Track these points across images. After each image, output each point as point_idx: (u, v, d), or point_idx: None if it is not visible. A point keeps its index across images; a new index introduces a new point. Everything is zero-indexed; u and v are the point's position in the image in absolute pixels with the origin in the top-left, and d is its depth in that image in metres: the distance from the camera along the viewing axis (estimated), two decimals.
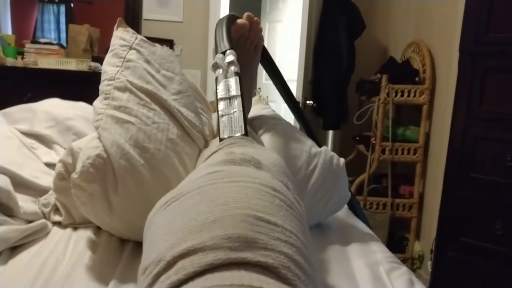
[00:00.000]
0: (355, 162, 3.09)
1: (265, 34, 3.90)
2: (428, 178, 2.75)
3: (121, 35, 0.97)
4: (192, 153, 0.91)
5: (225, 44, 0.85)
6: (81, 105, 1.35)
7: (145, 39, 0.99)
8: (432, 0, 2.81)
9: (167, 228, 0.50)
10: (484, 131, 2.09)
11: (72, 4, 3.48)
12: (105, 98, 0.87)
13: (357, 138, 3.00)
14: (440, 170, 2.34)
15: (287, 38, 3.48)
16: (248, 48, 1.01)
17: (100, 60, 3.07)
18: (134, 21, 3.27)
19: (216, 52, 0.88)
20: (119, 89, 0.88)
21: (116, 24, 0.98)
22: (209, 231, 0.45)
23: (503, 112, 2.03)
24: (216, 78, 0.80)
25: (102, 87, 0.90)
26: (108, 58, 0.94)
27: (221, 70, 0.81)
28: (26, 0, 3.41)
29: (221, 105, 0.78)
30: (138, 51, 0.95)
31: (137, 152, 0.82)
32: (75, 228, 0.96)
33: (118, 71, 0.90)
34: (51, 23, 3.49)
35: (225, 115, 0.77)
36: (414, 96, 2.69)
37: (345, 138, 3.28)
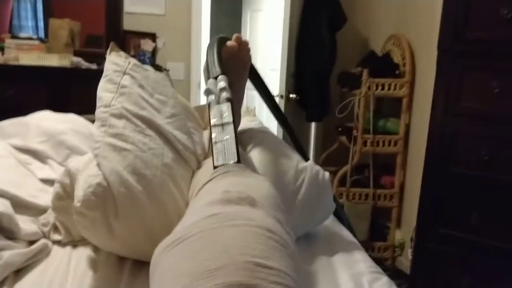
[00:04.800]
0: (337, 153, 3.17)
1: (247, 23, 3.93)
2: (409, 169, 2.85)
3: (114, 60, 1.00)
4: (186, 175, 0.95)
5: (216, 69, 0.89)
6: (72, 117, 1.38)
7: (138, 63, 1.02)
8: None
9: (174, 271, 0.55)
10: (462, 126, 2.18)
11: None
12: (102, 125, 0.91)
13: (340, 129, 3.07)
14: (420, 161, 2.42)
15: (268, 28, 3.47)
16: (238, 68, 1.05)
17: (81, 54, 3.03)
18: (115, 14, 3.24)
19: (208, 76, 0.92)
20: (115, 116, 0.92)
21: (108, 49, 1.01)
22: (213, 279, 0.50)
23: (479, 109, 2.11)
24: (209, 104, 0.84)
25: (98, 113, 0.93)
26: (103, 83, 0.97)
27: (213, 96, 0.85)
28: None
29: (214, 132, 0.82)
30: (131, 76, 0.98)
31: (135, 179, 0.86)
32: (74, 246, 1.00)
33: (113, 98, 0.94)
34: (28, 11, 3.42)
35: (219, 142, 0.82)
36: (395, 89, 2.76)
37: (327, 129, 3.34)
